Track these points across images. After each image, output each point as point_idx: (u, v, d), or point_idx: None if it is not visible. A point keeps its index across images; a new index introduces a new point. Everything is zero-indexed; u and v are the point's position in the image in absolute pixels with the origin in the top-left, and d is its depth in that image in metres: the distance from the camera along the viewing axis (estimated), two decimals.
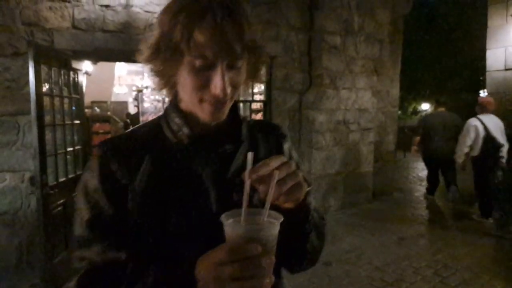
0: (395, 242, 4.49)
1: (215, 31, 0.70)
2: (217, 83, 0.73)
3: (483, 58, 6.48)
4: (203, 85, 0.74)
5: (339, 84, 5.50)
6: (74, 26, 3.80)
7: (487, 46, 6.47)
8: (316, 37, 5.34)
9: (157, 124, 0.87)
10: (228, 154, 0.83)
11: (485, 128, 4.96)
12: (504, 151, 4.88)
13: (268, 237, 0.63)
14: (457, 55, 14.16)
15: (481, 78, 13.37)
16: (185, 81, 0.76)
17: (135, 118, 10.84)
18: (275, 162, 0.67)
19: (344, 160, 5.72)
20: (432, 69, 15.00)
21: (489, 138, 4.92)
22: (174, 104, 0.86)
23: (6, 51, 3.49)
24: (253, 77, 0.86)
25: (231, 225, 0.64)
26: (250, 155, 0.67)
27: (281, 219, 0.65)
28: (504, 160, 4.82)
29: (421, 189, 7.34)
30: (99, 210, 0.78)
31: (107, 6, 3.93)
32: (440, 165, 5.97)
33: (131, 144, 0.83)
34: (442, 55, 14.61)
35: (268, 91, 5.28)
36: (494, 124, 5.02)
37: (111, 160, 0.79)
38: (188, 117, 0.83)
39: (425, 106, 17.28)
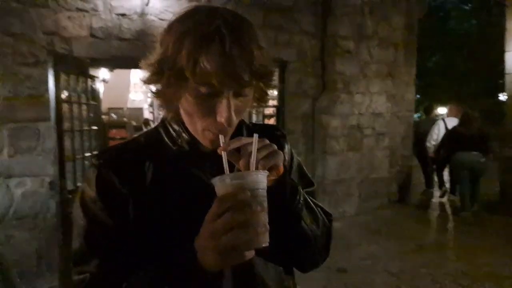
0: (412, 249, 4.41)
1: (223, 59, 0.65)
2: (223, 112, 0.70)
3: (501, 61, 6.35)
4: (207, 113, 0.71)
5: (352, 88, 5.48)
6: (92, 35, 3.89)
7: (506, 49, 6.34)
8: (329, 42, 5.34)
9: (156, 132, 0.85)
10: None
11: (446, 127, 6.42)
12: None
13: (256, 185, 0.64)
14: (474, 58, 13.92)
15: (500, 81, 13.12)
16: (189, 108, 0.73)
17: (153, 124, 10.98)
18: (246, 139, 0.70)
19: (358, 166, 5.68)
20: (448, 73, 14.79)
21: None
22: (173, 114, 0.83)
23: (27, 60, 3.60)
24: (260, 101, 0.82)
25: (219, 180, 0.64)
26: (224, 154, 0.69)
27: (267, 173, 0.66)
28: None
29: (439, 194, 7.21)
30: (98, 223, 0.76)
31: (123, 15, 4.02)
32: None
33: (130, 152, 0.82)
34: (458, 59, 14.40)
35: (281, 96, 5.30)
36: (453, 123, 6.25)
37: (109, 170, 0.77)
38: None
39: (442, 110, 17.00)
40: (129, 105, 12.83)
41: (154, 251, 0.75)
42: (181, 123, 0.80)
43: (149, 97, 12.62)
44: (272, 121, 5.71)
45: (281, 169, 0.73)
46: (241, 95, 0.72)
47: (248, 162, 0.67)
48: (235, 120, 0.72)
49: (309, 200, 0.86)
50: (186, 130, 0.80)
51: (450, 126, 6.26)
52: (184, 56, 0.66)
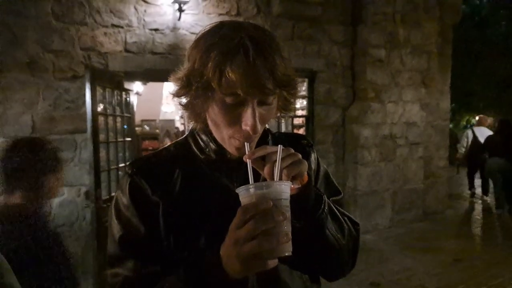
0: (449, 263, 4.22)
1: (247, 69, 0.68)
2: (248, 120, 0.72)
3: None
4: (233, 121, 0.74)
5: (384, 97, 5.37)
6: (126, 50, 4.04)
7: None
8: (359, 51, 5.28)
9: (185, 142, 0.89)
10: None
11: (474, 135, 7.14)
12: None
13: (279, 195, 0.65)
14: None
15: None
16: (216, 117, 0.76)
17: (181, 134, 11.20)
18: (270, 148, 0.72)
19: (391, 176, 5.52)
20: (486, 80, 14.22)
21: (476, 142, 7.07)
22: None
23: (66, 74, 3.78)
24: (285, 110, 0.85)
25: (244, 189, 0.66)
26: (249, 162, 0.71)
27: (290, 184, 0.68)
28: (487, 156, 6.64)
29: (477, 207, 6.89)
30: (131, 228, 0.79)
31: (156, 30, 4.15)
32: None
33: (161, 161, 0.86)
34: (496, 65, 13.82)
35: (310, 106, 5.27)
36: (481, 133, 7.04)
37: (141, 178, 0.81)
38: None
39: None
40: (161, 117, 13.18)
41: (183, 257, 0.77)
42: (209, 133, 0.83)
43: (180, 109, 12.92)
44: (301, 131, 5.68)
45: (305, 177, 0.75)
46: (265, 103, 0.75)
47: (272, 171, 0.69)
48: (259, 128, 0.74)
49: (335, 209, 0.86)
50: (214, 140, 0.82)
51: (478, 135, 7.01)
52: (210, 68, 0.69)
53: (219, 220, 0.77)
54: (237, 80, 0.68)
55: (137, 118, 8.40)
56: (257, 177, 0.71)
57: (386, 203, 5.49)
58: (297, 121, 5.76)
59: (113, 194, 4.05)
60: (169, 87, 12.62)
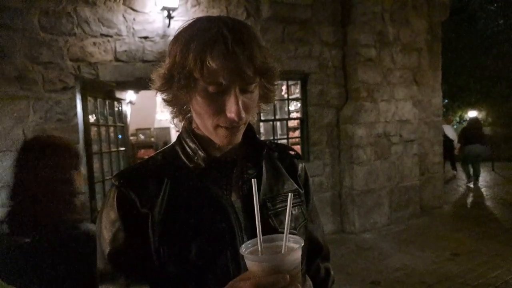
0: (448, 259, 4.22)
1: (227, 57, 0.70)
2: (232, 107, 0.73)
3: None
4: (218, 110, 0.75)
5: (377, 96, 5.39)
6: (116, 59, 4.03)
7: None
8: (350, 51, 5.30)
9: (173, 150, 0.87)
10: (250, 179, 0.82)
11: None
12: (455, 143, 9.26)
13: (292, 263, 0.62)
14: (504, 58, 13.44)
15: None
16: (200, 108, 0.77)
17: None
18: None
19: (387, 174, 5.53)
20: (477, 75, 14.32)
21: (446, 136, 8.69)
22: (188, 130, 0.86)
23: (56, 86, 3.76)
24: (266, 99, 0.86)
25: (253, 257, 0.62)
26: (254, 182, 0.70)
27: (302, 243, 0.65)
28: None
29: (473, 200, 6.91)
30: (120, 243, 0.77)
31: (145, 38, 4.14)
32: None
33: (149, 172, 0.83)
34: (486, 60, 13.93)
35: (304, 108, 5.28)
36: (448, 130, 9.31)
37: (129, 190, 0.78)
38: (202, 141, 0.83)
39: (472, 114, 16.43)
40: (156, 125, 13.13)
41: (176, 268, 0.76)
42: (196, 140, 0.83)
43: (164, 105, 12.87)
44: (296, 133, 5.68)
45: None
46: (247, 91, 0.76)
47: (287, 215, 0.67)
48: (244, 116, 0.75)
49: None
50: (202, 147, 0.82)
51: (446, 131, 8.69)
52: (191, 59, 0.71)
53: (210, 230, 0.77)
54: (218, 68, 0.70)
55: (132, 127, 8.36)
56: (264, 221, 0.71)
57: (383, 201, 5.49)
58: (292, 123, 5.77)
59: None
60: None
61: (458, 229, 5.33)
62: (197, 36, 0.72)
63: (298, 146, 5.41)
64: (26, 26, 3.65)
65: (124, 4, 4.04)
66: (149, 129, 11.28)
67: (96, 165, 3.91)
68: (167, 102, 0.81)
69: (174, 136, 13.22)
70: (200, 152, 0.82)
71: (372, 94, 5.34)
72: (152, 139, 10.50)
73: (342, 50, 5.37)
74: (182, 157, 0.84)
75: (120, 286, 0.76)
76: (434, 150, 6.37)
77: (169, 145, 0.90)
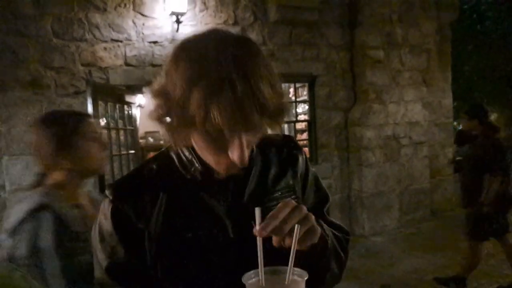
0: (459, 262, 4.16)
1: (234, 107, 0.62)
2: (235, 151, 0.68)
3: None
4: (219, 148, 0.70)
5: (385, 98, 5.37)
6: (126, 63, 4.09)
7: None
8: (358, 53, 5.29)
9: (167, 158, 0.82)
10: (240, 180, 0.79)
11: None
12: None
13: None
14: None
15: None
16: (200, 144, 0.72)
17: None
18: (283, 212, 0.64)
19: (397, 177, 5.49)
20: (487, 76, 14.14)
21: None
22: None
23: (68, 90, 3.83)
24: (273, 130, 0.77)
25: (254, 285, 0.61)
26: (257, 211, 0.64)
27: (306, 276, 0.63)
28: None
29: None
30: (117, 257, 0.76)
31: (155, 42, 4.20)
32: None
33: (144, 183, 0.80)
34: (497, 60, 13.75)
35: (312, 110, 5.28)
36: None
37: (124, 204, 0.76)
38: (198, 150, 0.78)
39: None
40: None
41: (172, 285, 0.75)
42: (192, 149, 0.78)
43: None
44: (304, 136, 5.68)
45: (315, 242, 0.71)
46: (253, 131, 0.70)
47: (282, 240, 0.64)
48: (247, 156, 0.70)
49: (335, 242, 0.83)
50: (198, 159, 0.77)
51: None
52: (194, 104, 0.63)
53: (207, 244, 0.75)
54: (224, 121, 0.63)
55: (141, 130, 8.43)
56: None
57: (393, 203, 5.45)
58: (300, 125, 5.77)
59: None
60: None
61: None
62: (202, 78, 0.63)
63: (306, 149, 5.41)
64: (39, 33, 3.74)
65: (133, 9, 4.11)
66: (158, 132, 11.37)
67: (106, 168, 3.96)
68: (162, 124, 0.72)
69: None
70: (196, 165, 0.77)
71: (380, 96, 5.32)
72: (161, 142, 10.56)
73: (350, 52, 5.37)
74: (178, 166, 0.79)
75: None
76: (445, 152, 6.30)
77: (163, 149, 0.85)
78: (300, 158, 0.92)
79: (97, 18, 3.96)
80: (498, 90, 14.39)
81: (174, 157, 0.80)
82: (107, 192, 0.79)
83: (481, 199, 3.32)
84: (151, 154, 8.79)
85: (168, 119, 0.69)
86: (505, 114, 14.67)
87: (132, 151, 4.52)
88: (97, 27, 3.96)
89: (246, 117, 0.64)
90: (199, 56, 0.65)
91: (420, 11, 5.61)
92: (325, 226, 0.80)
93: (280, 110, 0.70)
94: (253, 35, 4.59)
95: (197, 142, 0.72)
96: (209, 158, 0.73)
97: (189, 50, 0.68)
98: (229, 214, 0.77)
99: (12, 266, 0.80)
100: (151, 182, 0.79)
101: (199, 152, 0.75)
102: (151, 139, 10.47)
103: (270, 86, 0.67)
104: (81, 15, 3.90)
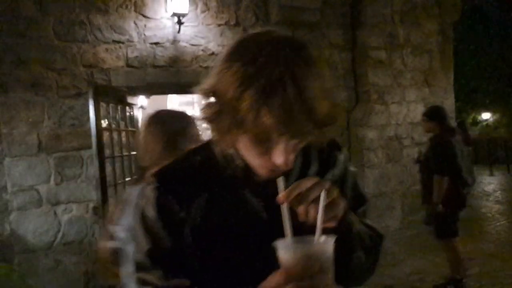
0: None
1: (284, 111, 0.63)
2: (280, 155, 0.68)
3: None
4: (264, 152, 0.70)
5: (387, 98, 5.35)
6: (128, 65, 4.09)
7: None
8: (360, 54, 5.28)
9: (210, 152, 0.82)
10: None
11: None
12: None
13: (323, 252, 0.63)
14: None
15: None
16: (246, 145, 0.72)
17: None
18: (307, 182, 0.66)
19: (399, 177, 5.48)
20: (490, 76, 14.12)
21: None
22: None
23: (70, 92, 3.83)
24: (320, 137, 0.75)
25: (284, 248, 0.63)
26: (281, 180, 0.66)
27: (334, 238, 0.64)
28: None
29: (488, 204, 6.80)
30: (159, 242, 0.78)
31: (156, 44, 4.20)
32: None
33: (186, 175, 0.82)
34: (500, 61, 13.73)
35: None
36: None
37: (167, 193, 0.79)
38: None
39: (486, 116, 16.17)
40: None
41: (209, 276, 0.77)
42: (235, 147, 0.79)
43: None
44: None
45: (340, 217, 0.72)
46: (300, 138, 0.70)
47: (307, 210, 0.66)
48: (292, 161, 0.71)
49: (362, 232, 0.84)
50: (240, 155, 0.78)
51: None
52: (246, 107, 0.64)
53: (245, 240, 0.77)
54: (273, 124, 0.64)
55: None
56: (292, 216, 0.68)
57: (395, 204, 5.43)
58: None
59: None
60: (174, 99, 12.74)
61: (473, 233, 5.24)
62: (255, 78, 0.64)
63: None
64: (41, 34, 3.75)
65: (135, 11, 4.11)
66: None
67: (108, 169, 3.96)
68: (212, 129, 0.74)
69: None
70: (237, 161, 0.78)
71: (382, 97, 5.31)
72: None
73: (352, 52, 5.36)
74: (219, 160, 0.80)
75: (157, 278, 0.78)
76: None
77: (205, 141, 0.87)
78: (340, 159, 0.93)
79: (98, 19, 3.96)
80: (500, 90, 14.37)
81: (216, 152, 0.81)
82: (151, 179, 0.81)
83: (433, 199, 3.47)
84: None
85: (217, 119, 0.70)
86: (507, 114, 14.63)
87: (134, 153, 4.51)
88: (99, 29, 3.96)
89: (296, 125, 0.64)
90: (252, 58, 0.66)
91: (422, 12, 5.61)
92: (353, 218, 0.81)
93: (330, 119, 0.70)
94: None
95: (243, 144, 0.73)
96: (252, 161, 0.74)
97: (243, 51, 0.68)
98: (267, 211, 0.78)
99: (9, 266, 0.80)
100: (193, 174, 0.82)
101: (243, 154, 0.76)
102: None
103: (322, 93, 0.67)
104: (83, 17, 3.90)
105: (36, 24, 3.73)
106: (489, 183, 7.51)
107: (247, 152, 0.73)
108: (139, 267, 0.82)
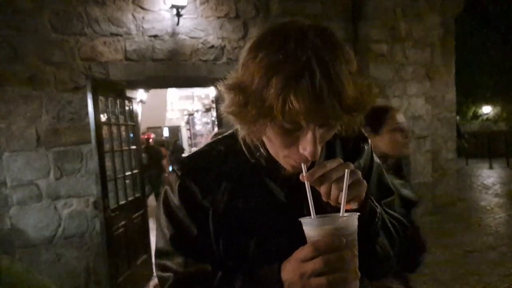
0: (461, 256, 4.16)
1: (312, 97, 0.62)
2: (307, 146, 0.67)
3: None
4: (290, 143, 0.70)
5: (388, 92, 5.32)
6: (126, 58, 4.05)
7: None
8: (361, 47, 5.24)
9: (234, 142, 0.83)
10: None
11: None
12: None
13: (348, 229, 0.64)
14: None
15: None
16: (271, 136, 0.71)
17: (179, 148, 10.77)
18: (331, 163, 0.69)
19: None
20: (491, 70, 14.05)
21: None
22: None
23: (68, 86, 3.80)
24: (345, 132, 0.76)
25: (310, 224, 0.66)
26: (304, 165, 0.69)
27: (357, 215, 0.66)
28: None
29: (487, 197, 6.80)
30: (182, 229, 0.81)
31: (155, 36, 4.15)
32: None
33: (211, 163, 0.84)
34: (501, 55, 13.66)
35: None
36: None
37: (191, 181, 0.81)
38: None
39: (486, 109, 16.15)
40: (167, 124, 13.22)
41: (233, 263, 0.79)
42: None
43: (185, 115, 12.96)
44: None
45: (363, 198, 0.73)
46: (327, 125, 0.69)
47: (330, 190, 0.68)
48: (319, 152, 0.70)
49: (387, 219, 0.86)
50: (265, 146, 0.79)
51: None
52: (273, 94, 0.63)
53: (267, 227, 0.79)
54: (301, 110, 0.62)
55: (143, 126, 8.42)
56: (315, 196, 0.69)
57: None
58: None
59: (121, 203, 4.05)
60: (173, 93, 12.71)
61: (472, 226, 5.25)
62: (281, 65, 0.63)
63: None
64: (37, 27, 3.69)
65: (133, 3, 4.05)
66: (160, 127, 11.38)
67: (108, 163, 3.94)
68: (240, 124, 0.73)
69: (184, 134, 13.27)
70: (262, 150, 0.80)
71: (383, 90, 5.28)
72: (163, 137, 10.57)
73: (353, 45, 5.31)
74: (244, 149, 0.82)
75: (180, 265, 0.80)
76: (448, 147, 6.27)
77: (230, 131, 0.87)
78: (366, 150, 0.92)
79: (96, 12, 3.91)
80: (501, 84, 14.32)
81: (241, 141, 0.82)
82: (176, 168, 0.84)
83: None
84: (163, 148, 8.75)
85: (243, 111, 0.69)
86: (507, 108, 14.60)
87: (134, 147, 4.48)
88: (96, 21, 3.91)
89: (324, 109, 0.63)
90: (278, 46, 0.65)
91: (424, 5, 5.55)
92: (378, 207, 0.82)
93: (361, 105, 0.68)
94: (255, 29, 4.54)
95: (269, 137, 0.72)
96: (278, 154, 0.75)
97: (268, 40, 0.67)
98: (290, 200, 0.80)
99: (11, 258, 0.79)
100: (217, 163, 0.83)
101: (268, 147, 0.77)
102: (153, 135, 10.46)
103: (351, 79, 0.66)
104: (80, 9, 3.85)
105: (33, 17, 3.67)
106: (488, 177, 7.51)
107: (273, 144, 0.74)
108: (161, 253, 0.83)
